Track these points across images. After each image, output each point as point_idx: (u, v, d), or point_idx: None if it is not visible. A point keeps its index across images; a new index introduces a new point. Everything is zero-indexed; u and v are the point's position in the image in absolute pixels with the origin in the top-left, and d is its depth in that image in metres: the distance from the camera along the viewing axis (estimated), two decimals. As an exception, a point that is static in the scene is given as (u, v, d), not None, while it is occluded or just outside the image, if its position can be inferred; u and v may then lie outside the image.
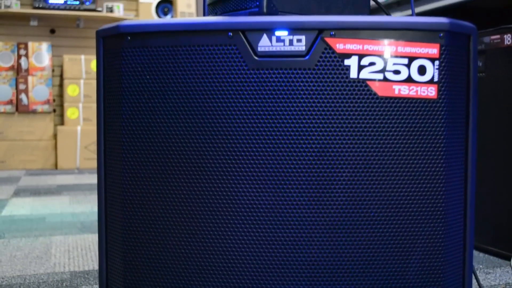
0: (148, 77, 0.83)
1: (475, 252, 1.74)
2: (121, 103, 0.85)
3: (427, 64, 0.82)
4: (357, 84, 0.81)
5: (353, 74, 0.81)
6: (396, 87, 0.82)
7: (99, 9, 4.39)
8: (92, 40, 4.55)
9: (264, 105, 0.81)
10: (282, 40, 0.81)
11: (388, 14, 1.25)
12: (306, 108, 0.81)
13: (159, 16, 4.64)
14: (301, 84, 0.81)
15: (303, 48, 0.81)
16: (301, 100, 0.81)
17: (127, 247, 0.85)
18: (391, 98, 0.82)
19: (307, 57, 0.81)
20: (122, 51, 0.84)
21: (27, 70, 4.20)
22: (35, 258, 1.77)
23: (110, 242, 0.89)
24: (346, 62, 0.81)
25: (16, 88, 4.13)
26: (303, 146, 0.81)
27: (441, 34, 0.82)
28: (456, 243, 0.85)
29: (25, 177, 3.73)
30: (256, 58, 0.82)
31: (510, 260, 1.61)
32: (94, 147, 4.21)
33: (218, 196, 0.82)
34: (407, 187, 0.82)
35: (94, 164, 4.21)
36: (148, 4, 4.61)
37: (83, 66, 4.28)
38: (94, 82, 4.29)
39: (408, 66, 0.82)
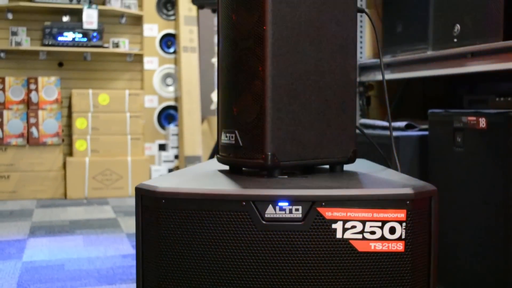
0: (179, 232, 1.07)
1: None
2: (158, 249, 1.09)
3: (397, 225, 1.06)
4: (342, 242, 1.05)
5: (339, 235, 1.05)
6: (372, 244, 1.06)
7: (106, 45, 4.61)
8: (99, 73, 4.78)
9: (269, 258, 1.05)
10: (284, 209, 1.05)
11: (369, 139, 1.48)
12: (302, 262, 1.05)
13: (162, 49, 4.87)
14: (298, 243, 1.05)
15: (300, 215, 1.05)
16: (299, 256, 1.05)
17: None
18: (368, 252, 1.06)
19: (303, 222, 1.05)
20: (158, 211, 1.08)
21: (37, 104, 4.42)
22: (61, 316, 2.01)
23: None
24: (333, 225, 1.05)
25: (27, 121, 4.36)
26: (300, 289, 1.05)
27: (408, 202, 1.06)
28: None
29: (37, 209, 3.96)
30: (263, 222, 1.06)
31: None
32: (101, 178, 4.44)
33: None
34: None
35: (101, 193, 4.44)
36: (152, 38, 4.84)
37: (91, 100, 4.51)
38: (101, 115, 4.52)
39: (381, 227, 1.06)
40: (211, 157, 3.57)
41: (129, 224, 3.49)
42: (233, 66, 1.30)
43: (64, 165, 4.44)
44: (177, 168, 4.76)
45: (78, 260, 2.72)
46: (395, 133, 2.29)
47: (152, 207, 1.10)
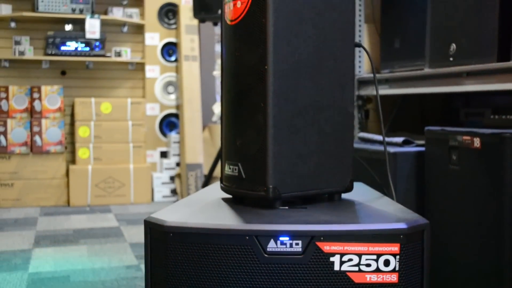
0: (186, 264, 1.14)
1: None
2: (166, 279, 1.15)
3: (391, 258, 1.13)
4: (339, 274, 1.12)
5: (336, 267, 1.12)
6: (368, 276, 1.13)
7: (108, 54, 4.67)
8: (102, 81, 4.84)
9: (271, 290, 1.12)
10: (284, 243, 1.12)
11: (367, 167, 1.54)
12: (302, 293, 1.12)
13: (164, 57, 4.93)
14: (299, 275, 1.12)
15: (300, 249, 1.12)
16: (299, 287, 1.12)
17: None
18: (364, 284, 1.13)
19: (303, 256, 1.12)
20: (166, 243, 1.15)
21: (40, 113, 4.48)
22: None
23: None
24: (331, 259, 1.12)
25: (31, 130, 4.42)
26: (300, 319, 1.11)
27: (401, 236, 1.13)
28: None
29: (41, 217, 4.02)
30: (265, 255, 1.13)
31: None
32: (104, 185, 4.51)
33: None
34: None
35: (103, 201, 4.51)
36: (154, 47, 4.90)
37: (93, 108, 4.57)
38: (104, 123, 4.59)
39: (376, 260, 1.13)
40: (213, 167, 3.64)
41: (132, 233, 3.56)
42: (236, 100, 1.37)
43: (67, 173, 4.50)
44: (178, 175, 4.82)
45: (83, 271, 2.79)
46: (392, 149, 2.34)
47: (160, 240, 1.16)
